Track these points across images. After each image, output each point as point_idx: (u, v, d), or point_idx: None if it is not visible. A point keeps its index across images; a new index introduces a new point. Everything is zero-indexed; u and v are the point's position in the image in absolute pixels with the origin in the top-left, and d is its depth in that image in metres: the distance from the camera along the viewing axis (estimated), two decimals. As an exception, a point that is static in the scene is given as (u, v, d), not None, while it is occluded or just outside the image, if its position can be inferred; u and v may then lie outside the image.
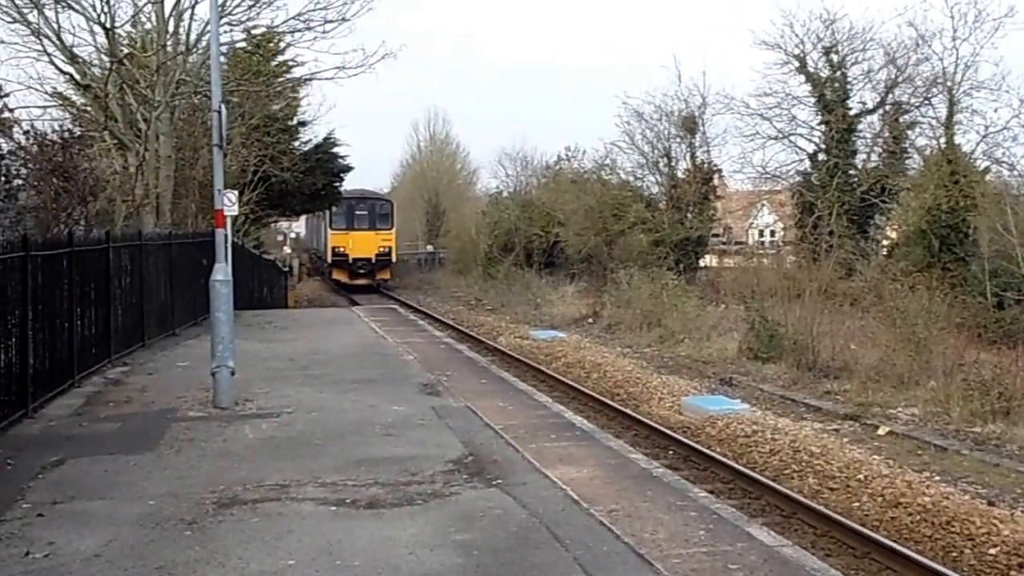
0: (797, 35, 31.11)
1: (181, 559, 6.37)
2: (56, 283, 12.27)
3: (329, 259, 47.55)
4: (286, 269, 44.35)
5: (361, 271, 46.30)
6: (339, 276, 47.00)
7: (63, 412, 11.37)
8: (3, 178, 20.06)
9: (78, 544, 6.65)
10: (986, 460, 12.33)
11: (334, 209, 45.20)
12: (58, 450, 9.41)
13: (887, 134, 30.41)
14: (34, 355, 11.10)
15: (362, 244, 46.36)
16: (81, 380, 13.19)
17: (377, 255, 46.56)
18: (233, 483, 8.22)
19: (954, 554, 9.01)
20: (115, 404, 12.00)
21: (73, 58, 22.02)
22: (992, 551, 8.89)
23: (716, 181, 35.10)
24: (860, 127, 30.86)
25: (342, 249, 46.45)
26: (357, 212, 46.82)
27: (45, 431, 10.38)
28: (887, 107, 30.30)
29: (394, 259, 48.33)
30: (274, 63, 30.69)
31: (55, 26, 20.94)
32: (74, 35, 22.69)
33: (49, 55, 21.53)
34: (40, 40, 21.11)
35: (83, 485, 8.20)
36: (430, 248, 65.08)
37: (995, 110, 29.33)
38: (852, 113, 30.55)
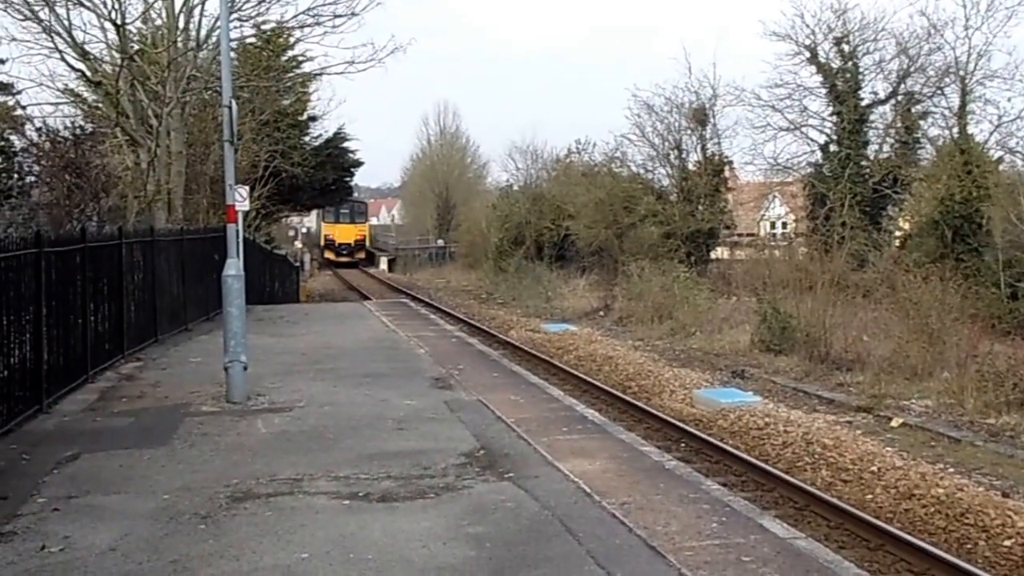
0: (808, 26, 31.00)
1: (195, 553, 6.40)
2: (69, 279, 12.32)
3: (322, 243, 66.47)
4: (297, 264, 44.50)
5: (343, 252, 64.60)
6: (329, 255, 64.95)
7: (77, 407, 11.42)
8: (16, 175, 20.20)
9: (93, 538, 6.69)
10: (1000, 451, 12.28)
11: (326, 208, 60.81)
12: (72, 445, 9.45)
13: (899, 124, 30.26)
14: (48, 351, 11.14)
15: (344, 233, 65.13)
16: (95, 375, 13.25)
17: (355, 241, 65.57)
18: (246, 477, 8.25)
19: (968, 546, 8.98)
20: (129, 399, 12.05)
21: (84, 55, 22.09)
22: (1007, 542, 8.86)
23: (727, 173, 34.97)
24: (872, 117, 30.73)
25: (331, 236, 65.60)
26: (342, 210, 63.73)
27: (59, 426, 10.43)
28: (899, 97, 30.16)
29: (368, 244, 67.26)
30: (284, 58, 30.75)
31: (66, 23, 21.01)
32: (85, 32, 22.75)
33: (60, 52, 21.62)
34: (51, 37, 21.18)
35: (98, 480, 8.24)
36: (441, 242, 65.28)
37: (1008, 99, 29.27)
38: (864, 103, 30.41)
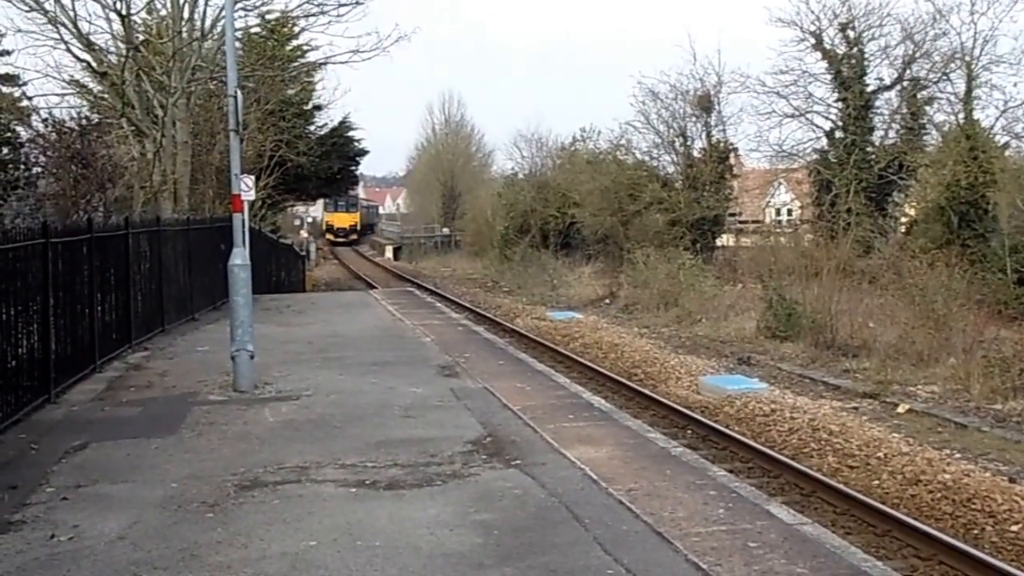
0: (813, 12, 30.88)
1: (204, 541, 6.43)
2: (76, 269, 12.34)
3: (324, 228, 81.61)
4: (303, 253, 44.50)
5: (340, 235, 78.47)
6: (329, 236, 78.09)
7: (85, 397, 11.47)
8: (23, 166, 20.23)
9: (102, 527, 6.73)
10: (1007, 437, 12.27)
11: (327, 200, 73.41)
12: (81, 434, 9.49)
13: (905, 110, 30.14)
14: (56, 341, 11.18)
15: (341, 220, 79.45)
16: (102, 365, 13.29)
17: (349, 226, 79.62)
18: (254, 465, 8.28)
19: (975, 531, 8.99)
20: (136, 389, 12.09)
21: (89, 46, 22.11)
22: (1014, 528, 8.87)
23: (732, 160, 34.91)
24: (877, 103, 30.60)
25: (331, 223, 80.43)
26: (339, 203, 77.23)
27: (68, 416, 10.47)
28: (905, 83, 30.04)
29: (359, 228, 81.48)
30: (289, 48, 30.73)
31: (71, 14, 21.06)
32: (90, 23, 22.90)
33: (66, 43, 21.67)
34: (57, 28, 21.22)
35: (106, 469, 8.27)
36: (446, 231, 65.27)
37: (1014, 84, 29.14)
38: (869, 90, 30.28)
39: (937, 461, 10.69)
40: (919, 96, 29.77)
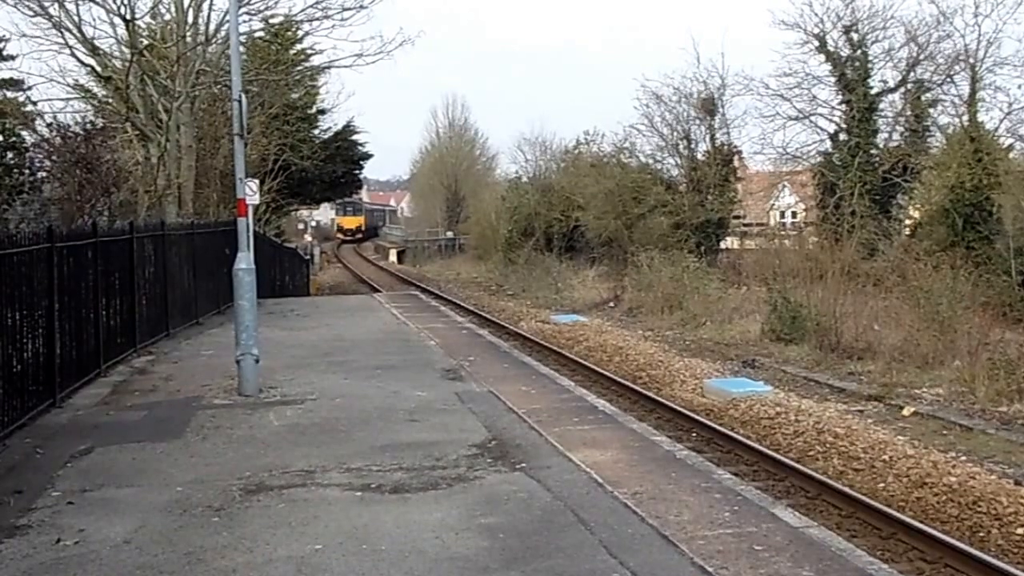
0: (817, 14, 30.86)
1: (209, 545, 6.44)
2: (81, 274, 12.37)
3: (335, 229, 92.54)
4: (307, 257, 44.53)
5: (348, 234, 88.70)
6: (339, 236, 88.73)
7: (90, 401, 11.48)
8: (27, 170, 20.25)
9: (108, 531, 6.73)
10: (1013, 439, 12.24)
11: (336, 204, 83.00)
12: (86, 439, 9.50)
13: (909, 112, 30.10)
14: (61, 345, 11.20)
15: (348, 222, 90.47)
16: (107, 369, 13.30)
17: (356, 227, 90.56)
18: (259, 469, 8.28)
19: (981, 534, 8.97)
20: (141, 393, 12.10)
21: (94, 50, 22.17)
22: (1020, 531, 8.85)
23: (736, 163, 34.88)
24: (881, 106, 30.55)
25: (341, 224, 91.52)
26: (347, 207, 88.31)
27: (73, 420, 10.48)
28: (909, 85, 29.99)
29: (363, 229, 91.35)
30: (292, 52, 30.83)
31: (76, 19, 21.11)
32: (95, 27, 22.82)
33: (70, 48, 21.73)
34: (61, 33, 21.28)
35: (111, 473, 8.28)
36: (450, 234, 65.33)
37: (1019, 86, 29.15)
38: (873, 92, 30.22)
39: (942, 464, 10.66)
40: (923, 98, 29.73)
